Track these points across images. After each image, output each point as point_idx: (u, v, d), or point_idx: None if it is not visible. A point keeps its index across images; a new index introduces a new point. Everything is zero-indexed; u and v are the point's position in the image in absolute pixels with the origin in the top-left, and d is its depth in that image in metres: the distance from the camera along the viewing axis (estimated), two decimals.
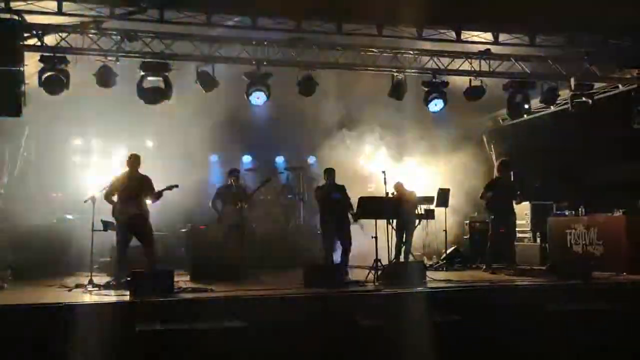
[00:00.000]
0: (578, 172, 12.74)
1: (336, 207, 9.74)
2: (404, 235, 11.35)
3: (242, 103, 10.46)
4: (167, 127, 11.63)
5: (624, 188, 11.43)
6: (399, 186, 11.39)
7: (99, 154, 12.39)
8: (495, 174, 11.07)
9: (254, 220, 11.50)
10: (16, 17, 8.58)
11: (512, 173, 11.32)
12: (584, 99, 11.19)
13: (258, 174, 13.26)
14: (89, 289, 8.27)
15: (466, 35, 10.18)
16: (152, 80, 9.71)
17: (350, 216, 9.95)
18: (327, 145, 12.87)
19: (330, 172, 10.03)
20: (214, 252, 9.96)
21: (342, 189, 10.02)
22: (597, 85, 11.70)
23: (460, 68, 10.87)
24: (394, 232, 10.48)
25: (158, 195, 9.02)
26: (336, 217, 9.73)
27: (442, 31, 10.12)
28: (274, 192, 13.55)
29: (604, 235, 10.38)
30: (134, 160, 9.09)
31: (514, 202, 10.86)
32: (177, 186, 9.12)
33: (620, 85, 11.78)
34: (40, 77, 9.12)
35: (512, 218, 10.94)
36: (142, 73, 9.63)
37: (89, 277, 8.59)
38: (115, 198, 8.89)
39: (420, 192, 11.90)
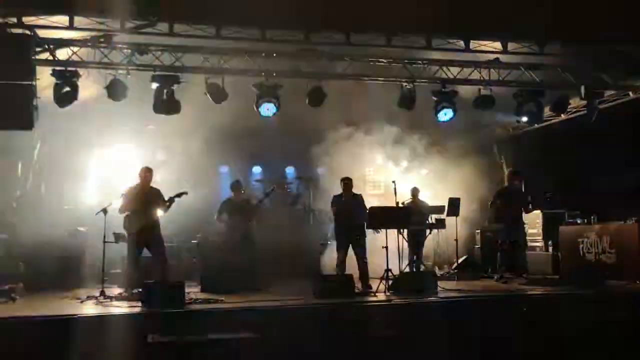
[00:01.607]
0: (589, 180, 12.65)
1: (352, 217, 9.71)
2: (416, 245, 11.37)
3: (251, 114, 10.50)
4: (177, 138, 11.70)
5: (636, 196, 11.33)
6: (415, 192, 11.44)
7: (110, 167, 12.45)
8: (505, 182, 11.07)
9: (263, 230, 11.48)
10: (28, 32, 8.68)
11: (522, 182, 11.29)
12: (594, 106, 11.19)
13: (267, 185, 13.29)
14: (100, 300, 8.33)
15: (475, 44, 10.18)
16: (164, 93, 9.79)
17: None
18: (336, 154, 12.83)
19: (346, 182, 9.99)
20: (224, 263, 9.99)
21: (359, 198, 9.98)
22: (607, 93, 11.65)
23: (470, 77, 10.87)
24: (404, 242, 10.44)
25: (169, 205, 9.11)
26: (351, 227, 9.69)
27: (451, 41, 10.12)
28: (283, 202, 13.58)
29: (617, 243, 10.32)
30: (146, 174, 9.20)
31: (523, 211, 10.85)
32: (186, 193, 9.24)
33: (630, 93, 11.73)
34: (54, 93, 9.20)
35: (521, 227, 10.91)
36: (157, 86, 9.70)
37: (101, 289, 8.66)
38: (127, 210, 8.97)
39: (430, 202, 11.88)
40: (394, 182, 9.90)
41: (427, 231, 11.46)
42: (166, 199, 9.13)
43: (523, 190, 11.31)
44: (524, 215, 11.03)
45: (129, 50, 9.47)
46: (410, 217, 9.97)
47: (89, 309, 7.82)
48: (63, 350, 6.39)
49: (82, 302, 8.36)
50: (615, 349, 7.45)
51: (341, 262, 9.67)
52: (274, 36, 9.47)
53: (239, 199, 10.56)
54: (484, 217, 13.21)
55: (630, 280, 9.60)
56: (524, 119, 11.76)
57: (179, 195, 9.13)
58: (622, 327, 7.69)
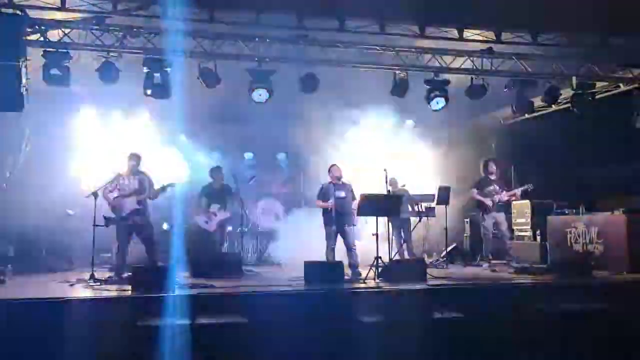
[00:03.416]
0: (578, 171, 12.74)
1: (341, 204, 9.71)
2: (402, 232, 11.44)
3: (244, 100, 10.46)
4: (168, 123, 11.64)
5: (624, 187, 11.44)
6: (394, 182, 11.49)
7: (101, 151, 12.38)
8: (481, 173, 11.26)
9: (255, 216, 11.48)
10: (19, 12, 8.59)
11: (498, 171, 11.46)
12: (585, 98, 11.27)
13: (257, 171, 13.33)
14: (90, 283, 8.33)
15: (468, 33, 10.17)
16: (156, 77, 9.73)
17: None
18: (327, 142, 12.81)
19: (333, 170, 10.00)
20: (213, 249, 10.01)
21: (347, 187, 9.97)
22: (598, 84, 11.70)
23: (462, 66, 10.88)
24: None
25: (156, 194, 9.12)
26: (341, 215, 9.70)
27: (444, 29, 10.11)
28: (275, 188, 13.60)
29: (604, 234, 10.39)
30: (134, 159, 9.22)
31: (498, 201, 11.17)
32: (172, 185, 9.21)
33: (621, 85, 11.79)
34: (43, 73, 9.14)
35: (497, 216, 11.11)
36: (148, 70, 9.63)
37: (91, 272, 8.64)
38: (116, 194, 8.96)
39: (421, 190, 11.92)
40: (385, 170, 9.90)
41: (414, 219, 11.52)
42: (157, 186, 9.14)
43: (495, 180, 11.40)
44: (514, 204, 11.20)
45: (121, 33, 9.39)
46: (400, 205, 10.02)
47: (79, 292, 7.82)
48: (52, 333, 6.39)
49: (71, 285, 8.35)
50: (600, 339, 7.53)
51: (331, 250, 9.68)
52: (268, 21, 9.42)
53: (218, 185, 10.65)
54: (473, 206, 13.27)
55: (617, 270, 9.69)
56: (516, 109, 11.78)
57: (163, 188, 9.13)
58: (608, 317, 7.77)
